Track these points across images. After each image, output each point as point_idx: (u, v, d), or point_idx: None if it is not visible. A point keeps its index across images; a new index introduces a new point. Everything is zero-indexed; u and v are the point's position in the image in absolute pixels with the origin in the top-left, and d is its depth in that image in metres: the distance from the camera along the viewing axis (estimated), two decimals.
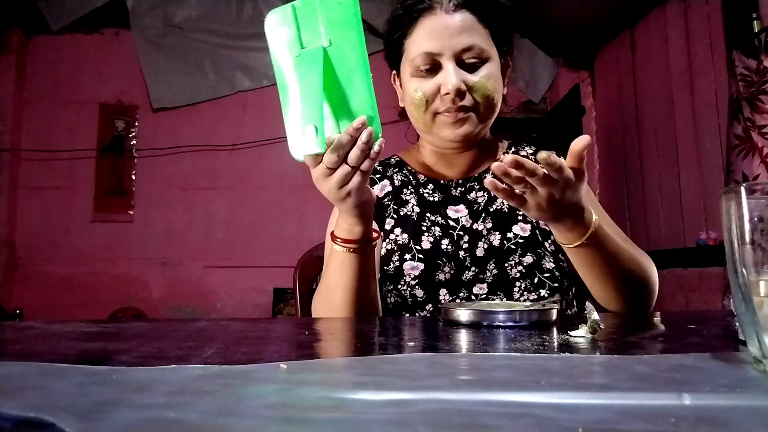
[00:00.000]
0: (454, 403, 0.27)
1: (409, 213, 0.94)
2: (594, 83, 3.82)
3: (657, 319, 0.64)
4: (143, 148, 3.46)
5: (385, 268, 0.90)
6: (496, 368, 0.35)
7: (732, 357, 0.38)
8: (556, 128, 3.49)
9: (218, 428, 0.23)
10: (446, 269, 0.88)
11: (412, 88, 0.88)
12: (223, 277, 3.42)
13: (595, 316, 0.50)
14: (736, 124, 2.20)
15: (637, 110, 3.28)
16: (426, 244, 0.90)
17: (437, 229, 0.92)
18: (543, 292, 0.87)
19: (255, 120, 3.50)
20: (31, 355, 0.41)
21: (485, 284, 0.88)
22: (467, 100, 0.85)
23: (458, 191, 0.96)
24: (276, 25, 0.67)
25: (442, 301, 0.87)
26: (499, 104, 0.91)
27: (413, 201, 0.96)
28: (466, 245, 0.90)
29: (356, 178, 0.66)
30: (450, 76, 0.83)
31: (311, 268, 1.19)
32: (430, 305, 0.88)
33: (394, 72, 0.97)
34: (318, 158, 0.65)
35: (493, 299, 0.86)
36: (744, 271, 0.34)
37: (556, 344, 0.46)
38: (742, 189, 0.34)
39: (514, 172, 0.62)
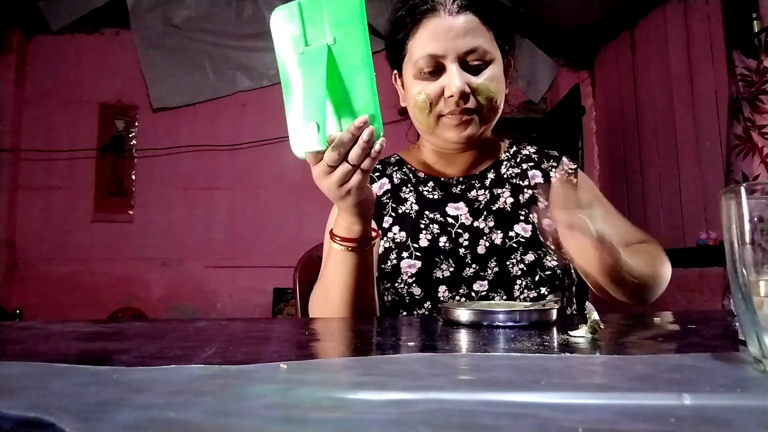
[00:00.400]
0: (454, 403, 0.27)
1: (407, 211, 0.94)
2: (594, 83, 3.82)
3: (657, 319, 0.64)
4: (143, 148, 3.46)
5: (383, 266, 0.90)
6: (496, 368, 0.35)
7: (732, 357, 0.38)
8: (556, 128, 3.49)
9: (218, 428, 0.23)
10: (444, 266, 0.88)
11: (415, 91, 0.87)
12: (223, 277, 3.42)
13: (595, 316, 0.51)
14: (736, 124, 2.20)
15: (637, 110, 3.28)
16: (424, 241, 0.90)
17: (435, 226, 0.92)
18: (543, 290, 0.87)
19: (255, 120, 3.50)
20: (31, 355, 0.41)
21: (486, 281, 0.88)
22: (471, 103, 0.85)
23: (459, 189, 0.96)
24: (281, 22, 0.67)
25: (441, 299, 0.87)
26: (502, 105, 0.90)
27: (412, 199, 0.95)
28: (466, 242, 0.90)
29: (356, 177, 0.66)
30: (454, 79, 0.83)
31: (311, 268, 1.19)
32: (428, 303, 0.88)
33: (396, 72, 0.96)
34: (319, 156, 0.65)
35: (493, 297, 0.86)
36: (744, 271, 0.34)
37: (556, 344, 0.46)
38: (742, 189, 0.34)
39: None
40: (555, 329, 0.56)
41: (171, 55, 3.47)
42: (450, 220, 0.93)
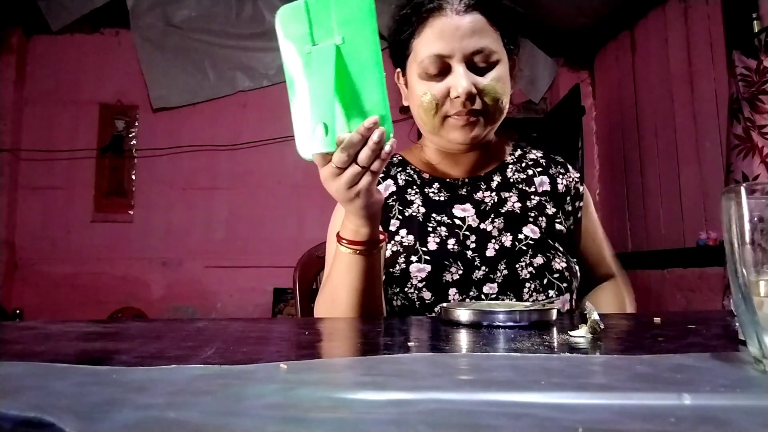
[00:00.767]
0: (454, 403, 0.27)
1: (414, 213, 0.93)
2: (594, 83, 3.82)
3: (657, 319, 0.64)
4: (143, 148, 3.46)
5: (391, 270, 0.88)
6: (496, 368, 0.35)
7: (732, 357, 0.38)
8: (556, 128, 3.49)
9: (218, 428, 0.23)
10: (453, 269, 0.87)
11: (421, 91, 0.86)
12: (223, 277, 3.41)
13: (595, 316, 0.51)
14: (736, 124, 2.20)
15: (637, 110, 3.28)
16: (432, 245, 0.89)
17: (443, 229, 0.90)
18: (552, 293, 0.86)
19: (255, 120, 3.50)
20: (31, 355, 0.41)
21: (495, 284, 0.87)
22: (477, 104, 0.84)
23: (465, 190, 0.95)
24: (287, 20, 0.65)
25: (452, 302, 0.87)
26: (507, 106, 0.89)
27: (418, 201, 0.94)
28: (473, 245, 0.89)
29: (366, 179, 0.65)
30: (461, 80, 0.82)
31: (311, 268, 1.19)
32: (438, 307, 0.87)
33: (399, 70, 0.95)
34: (327, 157, 0.64)
35: (503, 299, 0.86)
36: (744, 271, 0.34)
37: (556, 344, 0.46)
38: (742, 189, 0.34)
39: None
40: (555, 329, 0.56)
41: (171, 55, 3.47)
42: (457, 221, 0.91)
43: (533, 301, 0.86)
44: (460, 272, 0.87)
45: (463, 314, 0.60)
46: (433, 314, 0.87)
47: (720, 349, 0.43)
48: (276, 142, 3.41)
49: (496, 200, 0.94)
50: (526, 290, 0.86)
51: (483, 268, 0.87)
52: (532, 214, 0.92)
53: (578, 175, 1.01)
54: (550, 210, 0.94)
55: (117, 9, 3.37)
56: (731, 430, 0.23)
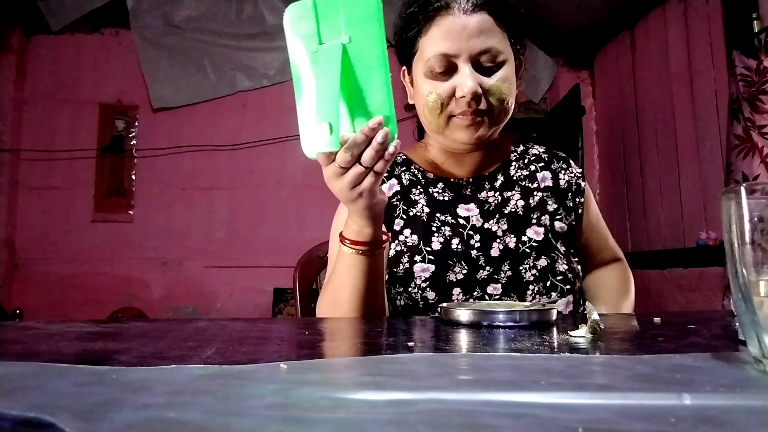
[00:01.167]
0: (454, 403, 0.27)
1: (418, 213, 0.92)
2: (594, 83, 3.82)
3: (657, 319, 0.64)
4: (143, 148, 3.46)
5: (395, 270, 0.88)
6: (497, 368, 0.35)
7: (732, 357, 0.38)
8: (556, 128, 3.49)
9: (218, 428, 0.23)
10: (457, 269, 0.87)
11: (426, 90, 0.86)
12: (223, 277, 3.41)
13: (595, 316, 0.51)
14: (736, 124, 2.20)
15: (637, 110, 3.28)
16: (436, 244, 0.89)
17: (447, 228, 0.90)
18: (555, 295, 0.86)
19: (255, 120, 3.50)
20: (31, 355, 0.41)
21: (499, 285, 0.87)
22: (483, 104, 0.84)
23: (469, 190, 0.95)
24: (295, 18, 0.65)
25: (452, 302, 0.87)
26: (513, 106, 0.89)
27: (423, 201, 0.94)
28: (478, 245, 0.89)
29: (369, 179, 0.65)
30: (467, 80, 0.81)
31: (311, 268, 1.19)
32: (438, 307, 0.87)
33: (404, 68, 0.95)
34: (331, 156, 0.64)
35: (506, 300, 0.86)
36: (744, 271, 0.34)
37: (556, 344, 0.46)
38: (742, 189, 0.34)
39: None
40: (555, 329, 0.56)
41: (171, 55, 3.47)
42: (461, 221, 0.91)
43: (538, 302, 0.86)
44: (464, 272, 0.87)
45: (464, 314, 0.60)
46: (436, 314, 0.87)
47: (720, 349, 0.43)
48: (276, 142, 3.41)
49: (499, 200, 0.94)
50: (529, 292, 0.86)
51: (487, 268, 0.87)
52: (535, 215, 0.92)
53: (580, 170, 1.01)
54: (552, 206, 0.94)
55: (117, 9, 3.37)
56: (731, 430, 0.23)
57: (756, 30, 2.23)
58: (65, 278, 3.30)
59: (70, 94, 3.44)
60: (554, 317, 0.60)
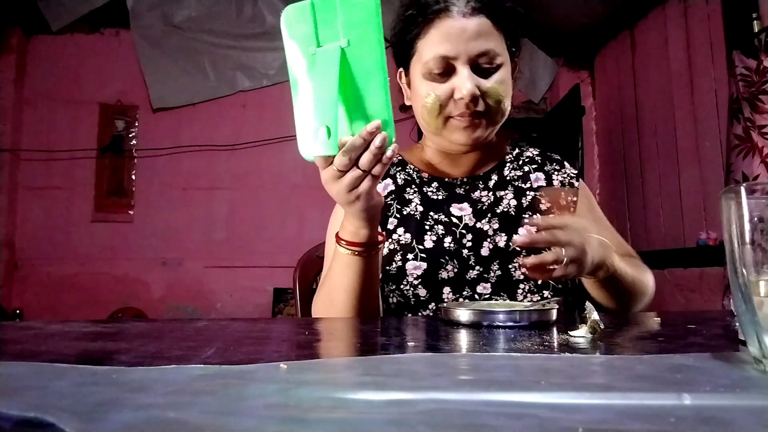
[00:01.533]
0: (454, 403, 0.27)
1: (412, 212, 0.94)
2: (594, 83, 3.82)
3: (657, 319, 0.64)
4: (143, 148, 3.46)
5: (387, 268, 0.90)
6: (497, 368, 0.35)
7: (732, 357, 0.38)
8: (556, 128, 3.49)
9: (218, 428, 0.23)
10: (449, 267, 0.88)
11: (424, 91, 0.86)
12: (223, 277, 3.41)
13: (595, 316, 0.51)
14: (736, 124, 2.20)
15: (637, 110, 3.28)
16: (428, 243, 0.90)
17: (440, 227, 0.91)
18: (546, 294, 0.87)
19: (255, 120, 3.50)
20: (31, 355, 0.41)
21: (489, 284, 0.88)
22: (480, 106, 0.85)
23: (462, 189, 0.96)
24: (293, 21, 0.65)
25: (446, 300, 0.87)
26: (509, 107, 0.90)
27: (416, 200, 0.95)
28: (469, 244, 0.90)
29: (366, 182, 0.65)
30: (465, 82, 0.82)
31: (311, 268, 1.19)
32: (433, 304, 0.88)
33: (401, 69, 0.95)
34: (329, 159, 0.65)
35: (496, 299, 0.86)
36: (744, 271, 0.34)
37: (556, 344, 0.46)
38: (742, 189, 0.34)
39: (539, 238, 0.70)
40: (555, 329, 0.56)
41: (171, 55, 3.47)
42: (454, 220, 0.92)
43: (528, 301, 0.87)
44: (455, 271, 0.88)
45: (464, 314, 0.60)
46: (428, 312, 0.88)
47: (720, 349, 0.43)
48: (276, 142, 3.41)
49: (492, 200, 0.95)
50: (520, 291, 0.88)
51: (477, 267, 0.88)
52: (527, 215, 0.93)
53: (575, 171, 1.02)
54: (544, 206, 0.95)
55: (117, 9, 3.37)
56: (731, 430, 0.23)
57: (756, 30, 2.23)
58: (65, 278, 3.30)
59: (70, 94, 3.44)
60: (554, 317, 0.60)
